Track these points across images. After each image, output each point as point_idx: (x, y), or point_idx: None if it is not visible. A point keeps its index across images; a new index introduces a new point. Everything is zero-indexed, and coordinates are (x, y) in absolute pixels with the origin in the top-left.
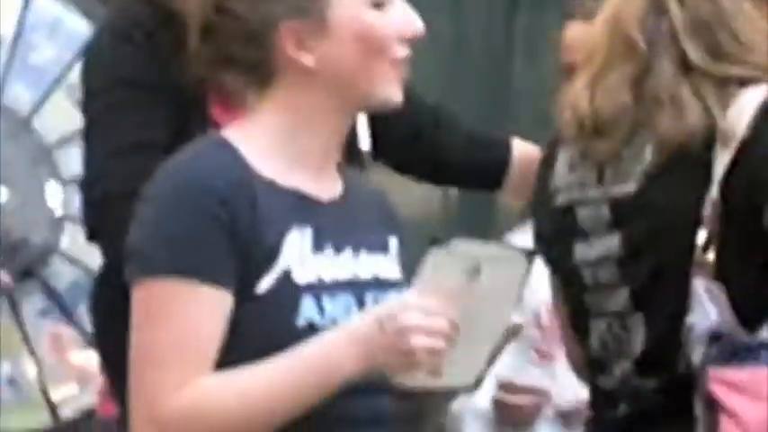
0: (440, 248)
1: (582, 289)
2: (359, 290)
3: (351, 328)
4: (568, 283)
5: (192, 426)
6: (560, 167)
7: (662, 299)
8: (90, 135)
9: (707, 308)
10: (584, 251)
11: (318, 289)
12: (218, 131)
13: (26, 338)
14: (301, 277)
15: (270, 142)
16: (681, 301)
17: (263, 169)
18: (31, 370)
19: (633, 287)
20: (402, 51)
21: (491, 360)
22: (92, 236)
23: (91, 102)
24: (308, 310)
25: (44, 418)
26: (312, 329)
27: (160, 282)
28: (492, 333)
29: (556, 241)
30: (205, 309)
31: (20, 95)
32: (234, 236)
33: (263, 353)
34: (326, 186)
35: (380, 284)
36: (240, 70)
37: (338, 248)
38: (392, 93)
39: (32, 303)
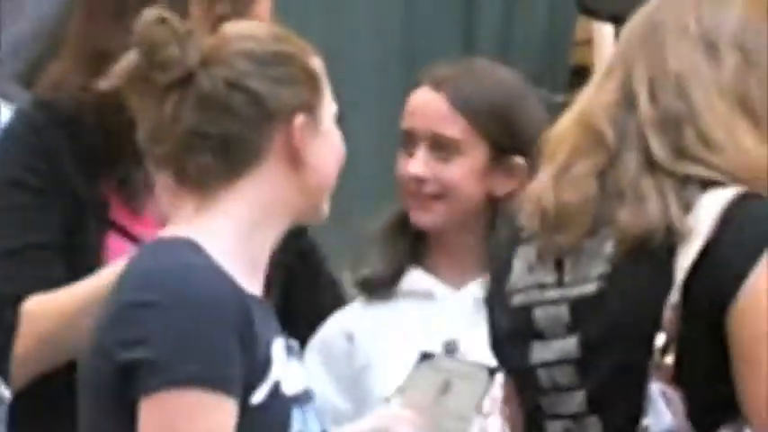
0: (427, 363)
1: (538, 391)
2: (310, 396)
3: None
4: (524, 384)
5: None
6: (517, 268)
7: (618, 401)
8: None
9: (661, 410)
10: (541, 352)
11: (299, 401)
12: (152, 231)
13: None
14: (288, 389)
15: (231, 243)
16: (638, 403)
17: (233, 274)
18: None
19: (589, 390)
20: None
21: None
22: None
23: None
24: (297, 422)
25: None
26: None
27: (186, 392)
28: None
29: (512, 342)
30: (225, 420)
31: None
32: (241, 340)
33: None
34: (259, 284)
35: (309, 396)
36: (220, 151)
37: (289, 355)
38: (326, 208)
39: None
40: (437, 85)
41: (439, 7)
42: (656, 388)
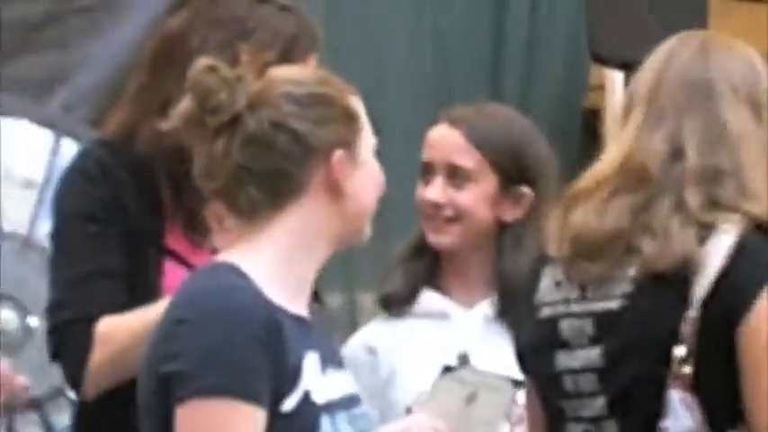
0: (450, 373)
1: (561, 395)
2: (348, 406)
3: None
4: (548, 389)
5: None
6: (545, 284)
7: (636, 407)
8: (53, 265)
9: (681, 414)
10: (566, 360)
11: (330, 409)
12: (206, 259)
13: None
14: (318, 397)
15: (273, 269)
16: (655, 408)
17: (272, 296)
18: None
19: (610, 396)
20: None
21: None
22: (54, 357)
23: (55, 234)
24: (326, 428)
25: None
26: None
27: (212, 402)
28: None
29: (538, 350)
30: (251, 428)
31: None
32: (268, 353)
33: None
34: (301, 303)
35: (353, 399)
36: (266, 185)
37: (327, 366)
38: (368, 231)
39: (61, 419)
40: (454, 122)
41: (468, 55)
42: (675, 395)
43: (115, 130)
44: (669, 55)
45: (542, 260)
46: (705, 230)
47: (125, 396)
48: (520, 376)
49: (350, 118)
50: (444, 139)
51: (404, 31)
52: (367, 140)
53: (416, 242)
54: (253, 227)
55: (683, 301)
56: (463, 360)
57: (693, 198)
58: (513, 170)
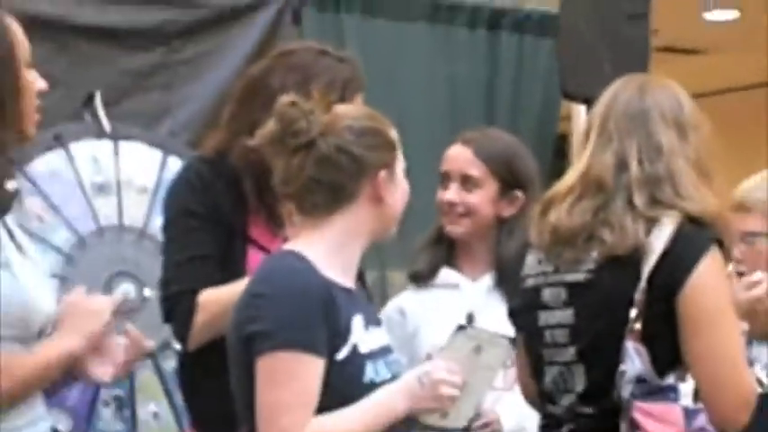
0: (462, 330)
1: (542, 345)
2: (384, 355)
3: (401, 384)
4: (533, 340)
5: None
6: (529, 262)
7: (599, 354)
8: (166, 250)
9: (634, 360)
10: (546, 318)
11: (372, 357)
12: (279, 247)
13: (166, 389)
14: (363, 348)
15: (327, 255)
16: (614, 355)
17: (325, 271)
18: (168, 410)
19: (578, 346)
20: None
21: (476, 409)
22: (166, 319)
23: (166, 226)
24: (369, 372)
25: None
26: (372, 385)
27: (284, 353)
28: (481, 392)
29: (526, 311)
30: (312, 372)
31: (159, 227)
32: (325, 316)
33: (345, 400)
34: (349, 277)
35: (388, 349)
36: (328, 193)
37: (368, 326)
38: (394, 230)
39: (169, 365)
40: (465, 142)
41: (469, 95)
42: (630, 344)
43: (211, 148)
44: (615, 93)
45: (527, 246)
46: (650, 223)
47: (215, 348)
48: (513, 334)
49: (391, 145)
50: (459, 155)
51: (420, 79)
52: (400, 163)
53: (436, 233)
54: (314, 224)
55: (636, 276)
56: (470, 319)
57: (639, 199)
58: (509, 178)
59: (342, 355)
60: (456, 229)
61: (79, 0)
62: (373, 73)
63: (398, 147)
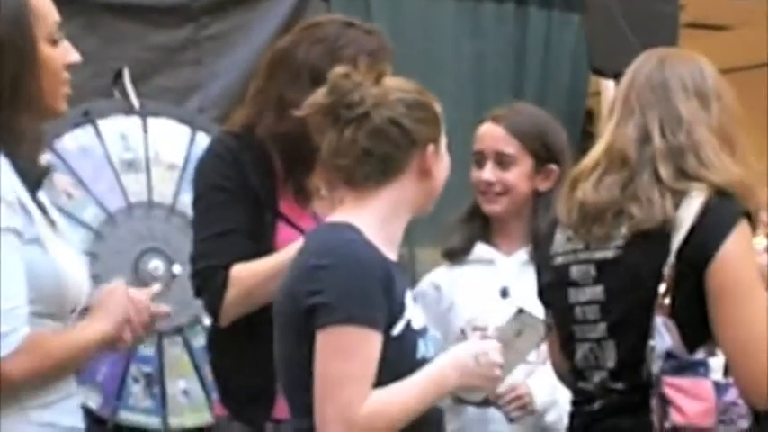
0: (519, 314)
1: (572, 322)
2: (426, 332)
3: (453, 359)
4: (563, 317)
5: (378, 422)
6: (558, 240)
7: (629, 330)
8: (196, 225)
9: (664, 335)
10: (576, 295)
11: (422, 334)
12: (308, 222)
13: (195, 366)
14: (416, 325)
15: (375, 227)
16: (644, 331)
17: (378, 246)
18: (198, 386)
19: (609, 322)
20: None
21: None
22: (197, 294)
23: (196, 202)
24: (422, 348)
25: (207, 417)
26: (424, 361)
27: (347, 327)
28: (507, 371)
29: (555, 288)
30: (373, 347)
31: (188, 203)
32: (384, 293)
33: (399, 374)
34: (395, 254)
35: (426, 329)
36: (380, 165)
37: (414, 302)
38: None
39: (198, 341)
40: (496, 120)
41: (497, 70)
42: (659, 319)
43: (239, 123)
44: (638, 66)
45: (555, 223)
46: (678, 197)
47: (245, 323)
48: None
49: (438, 120)
50: (491, 133)
51: (448, 55)
52: (443, 138)
53: (470, 210)
54: (361, 196)
55: (665, 251)
56: (504, 293)
57: (665, 171)
58: (542, 153)
59: (397, 330)
60: (494, 207)
61: None
62: (400, 49)
63: (442, 122)
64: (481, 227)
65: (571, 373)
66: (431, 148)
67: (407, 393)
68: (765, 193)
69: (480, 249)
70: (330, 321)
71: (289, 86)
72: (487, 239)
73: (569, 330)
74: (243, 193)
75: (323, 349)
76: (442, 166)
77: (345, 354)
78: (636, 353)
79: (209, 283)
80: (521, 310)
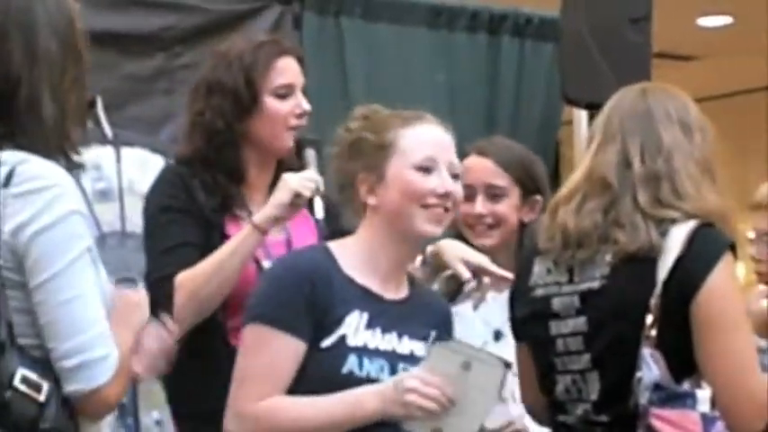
0: (442, 344)
1: (554, 354)
2: (395, 359)
3: (377, 386)
4: (542, 350)
5: (263, 424)
6: (537, 271)
7: (613, 361)
8: (147, 244)
9: (651, 366)
10: (558, 328)
11: (361, 351)
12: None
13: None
14: (351, 342)
15: (357, 255)
16: (629, 362)
17: (347, 269)
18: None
19: (593, 353)
20: (433, 201)
21: None
22: (152, 308)
23: (146, 224)
24: (351, 363)
25: None
26: (352, 377)
27: (257, 326)
28: (478, 414)
29: (534, 321)
30: (281, 348)
31: None
32: (312, 303)
33: (318, 388)
34: (391, 289)
35: (414, 359)
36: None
37: (385, 330)
38: (427, 229)
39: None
40: (482, 153)
41: (470, 101)
42: (646, 351)
43: (184, 153)
44: (619, 98)
45: (532, 254)
46: (662, 224)
47: (198, 330)
48: (508, 358)
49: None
50: (480, 166)
51: (421, 83)
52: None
53: None
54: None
55: (651, 279)
56: (498, 335)
57: (642, 197)
58: (529, 184)
59: (327, 343)
60: (486, 241)
61: (81, 5)
62: (374, 77)
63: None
64: None
65: (550, 408)
66: (361, 176)
67: (309, 408)
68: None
69: (471, 286)
70: (246, 319)
71: (212, 108)
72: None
73: (549, 362)
74: (191, 213)
75: (239, 346)
76: (392, 190)
77: (251, 351)
78: (621, 384)
79: (159, 293)
80: (436, 338)
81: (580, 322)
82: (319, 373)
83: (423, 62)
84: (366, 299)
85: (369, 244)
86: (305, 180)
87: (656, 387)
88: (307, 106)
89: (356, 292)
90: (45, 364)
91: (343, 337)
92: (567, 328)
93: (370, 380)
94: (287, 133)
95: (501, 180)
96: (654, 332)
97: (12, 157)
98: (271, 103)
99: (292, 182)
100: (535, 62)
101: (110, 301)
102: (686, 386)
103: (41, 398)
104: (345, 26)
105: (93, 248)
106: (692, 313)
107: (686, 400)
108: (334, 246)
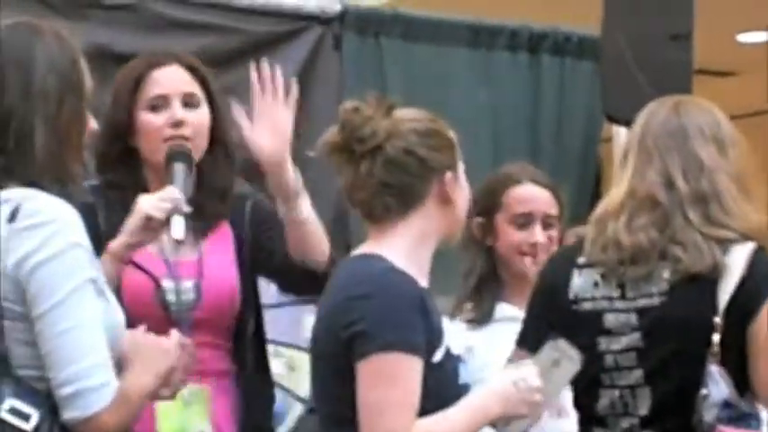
0: (551, 343)
1: (600, 369)
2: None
3: (495, 387)
4: (587, 365)
5: None
6: (580, 283)
7: (668, 378)
8: None
9: (720, 383)
10: (608, 344)
11: (460, 359)
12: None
13: None
14: (454, 350)
15: (402, 256)
16: (686, 379)
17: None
18: None
19: (646, 369)
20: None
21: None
22: None
23: None
24: (462, 373)
25: None
26: (466, 387)
27: (389, 354)
28: (549, 401)
29: (576, 335)
30: (415, 374)
31: None
32: (425, 323)
33: (443, 402)
34: (425, 283)
35: (457, 357)
36: (398, 196)
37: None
38: (459, 234)
39: None
40: (538, 183)
41: (512, 121)
42: (714, 368)
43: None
44: (650, 113)
45: (570, 264)
46: (722, 244)
47: None
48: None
49: (453, 146)
50: (540, 196)
51: (462, 103)
52: (461, 165)
53: (486, 272)
54: (384, 228)
55: (712, 298)
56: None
57: (694, 216)
58: (562, 212)
59: (438, 356)
60: (536, 268)
61: (119, 29)
62: (413, 98)
63: (458, 148)
64: (497, 287)
65: (583, 422)
66: (449, 174)
67: (453, 423)
68: None
69: (502, 309)
70: (370, 350)
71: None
72: (503, 297)
73: (592, 378)
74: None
75: (364, 378)
76: (462, 192)
77: (387, 381)
78: (676, 400)
79: None
80: (557, 339)
81: (635, 338)
82: (439, 389)
83: (463, 81)
84: (433, 301)
85: (417, 242)
86: (159, 201)
87: (726, 405)
88: (181, 115)
89: (428, 296)
90: (43, 395)
91: (448, 348)
92: (620, 345)
93: (471, 386)
94: (164, 145)
95: (554, 210)
96: (717, 349)
97: (18, 193)
98: (144, 116)
99: (143, 204)
100: (575, 80)
101: (120, 331)
102: (746, 406)
103: (28, 427)
104: (385, 46)
105: (98, 279)
106: (750, 334)
107: (751, 420)
108: (381, 252)
